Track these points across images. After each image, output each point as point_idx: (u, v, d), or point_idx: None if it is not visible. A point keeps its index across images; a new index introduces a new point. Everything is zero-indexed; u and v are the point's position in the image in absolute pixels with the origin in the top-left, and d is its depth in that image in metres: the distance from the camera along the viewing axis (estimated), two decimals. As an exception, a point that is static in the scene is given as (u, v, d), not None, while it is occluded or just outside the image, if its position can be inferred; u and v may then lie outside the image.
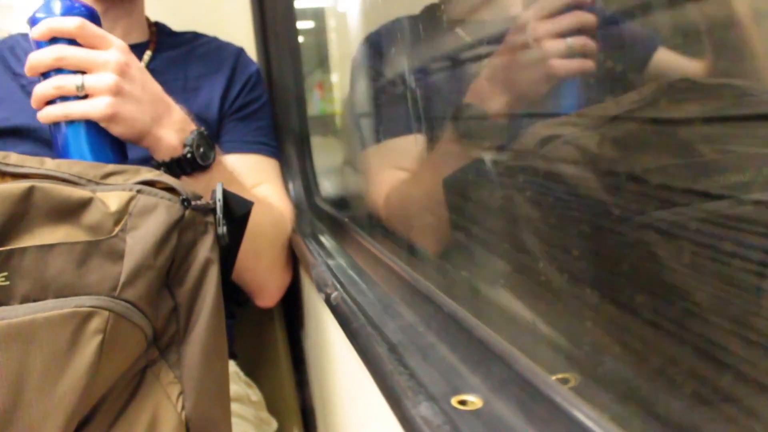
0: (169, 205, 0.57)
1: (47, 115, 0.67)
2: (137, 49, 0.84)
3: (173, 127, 0.73)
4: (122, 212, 0.56)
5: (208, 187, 0.75)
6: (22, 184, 0.53)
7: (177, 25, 1.02)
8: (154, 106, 0.72)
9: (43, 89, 0.66)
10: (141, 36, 0.97)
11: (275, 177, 0.97)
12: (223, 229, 0.60)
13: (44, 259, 0.52)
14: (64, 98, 0.67)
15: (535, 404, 0.36)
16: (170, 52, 0.95)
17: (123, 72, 0.68)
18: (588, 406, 0.32)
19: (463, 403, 0.40)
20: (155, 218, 0.56)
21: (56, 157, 0.64)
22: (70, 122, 0.68)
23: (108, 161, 0.68)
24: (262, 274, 0.85)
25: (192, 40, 0.99)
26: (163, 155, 0.73)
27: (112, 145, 0.70)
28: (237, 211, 0.63)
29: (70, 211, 0.55)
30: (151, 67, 0.93)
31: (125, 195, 0.57)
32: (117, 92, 0.67)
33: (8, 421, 0.49)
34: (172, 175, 0.73)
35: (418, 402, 0.41)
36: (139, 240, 0.55)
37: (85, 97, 0.67)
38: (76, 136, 0.68)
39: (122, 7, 0.93)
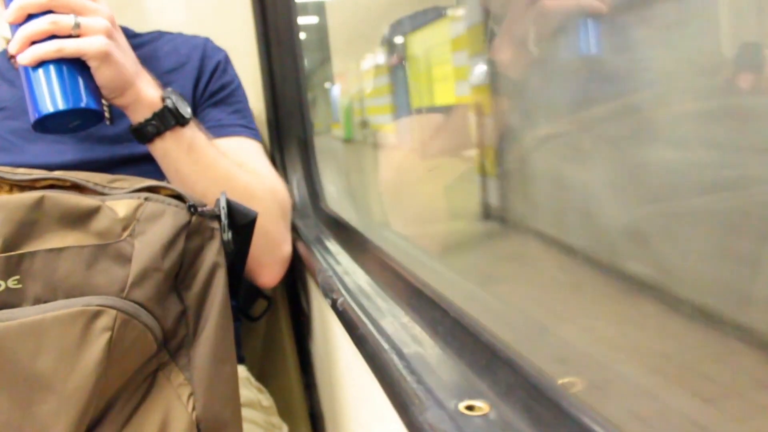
0: (175, 211, 0.59)
1: (35, 53, 0.65)
2: None
3: (150, 84, 0.75)
4: (130, 218, 0.57)
5: (192, 147, 0.76)
6: (34, 194, 0.56)
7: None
8: (134, 61, 0.74)
9: (35, 26, 0.65)
10: None
11: (262, 157, 0.95)
12: (228, 236, 0.61)
13: (54, 262, 0.54)
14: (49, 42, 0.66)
15: (542, 409, 0.36)
16: (136, 53, 0.94)
17: (112, 22, 0.70)
18: (594, 410, 0.32)
19: (470, 408, 0.40)
20: (162, 223, 0.58)
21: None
22: (54, 64, 0.66)
23: (87, 106, 0.67)
24: (259, 244, 0.83)
25: (156, 38, 0.98)
26: (144, 111, 0.74)
27: (93, 93, 0.69)
28: (240, 220, 0.64)
29: (80, 218, 0.56)
30: None
31: (133, 202, 0.58)
32: (110, 36, 0.69)
33: (22, 418, 0.51)
34: (155, 134, 0.74)
35: (426, 408, 0.41)
36: (147, 244, 0.56)
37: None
38: (57, 78, 0.66)
39: None
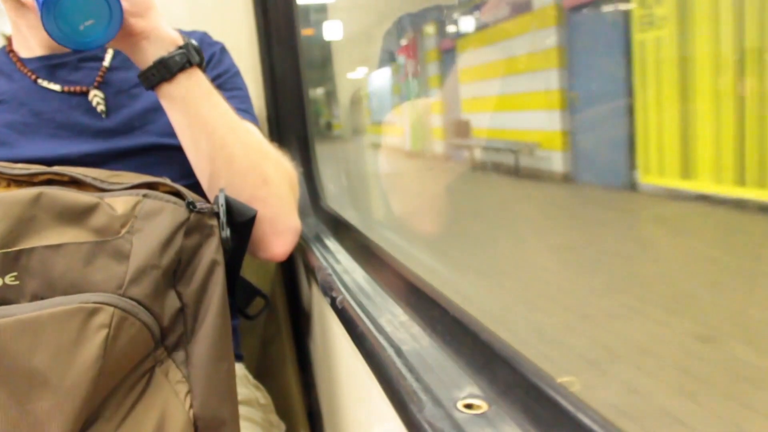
0: (174, 209, 0.59)
1: None
2: (98, 48, 0.81)
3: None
4: (128, 215, 0.57)
5: (210, 89, 0.73)
6: (32, 190, 0.55)
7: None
8: None
9: None
10: None
11: (264, 139, 0.95)
12: (226, 233, 0.61)
13: (51, 259, 0.54)
14: None
15: (540, 407, 0.36)
16: None
17: None
18: (592, 409, 0.32)
19: (468, 406, 0.40)
20: (160, 220, 0.58)
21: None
22: None
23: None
24: (273, 203, 0.79)
25: None
26: (166, 44, 0.70)
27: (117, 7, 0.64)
28: (238, 218, 0.64)
29: (78, 214, 0.56)
30: (114, 65, 0.91)
31: (131, 199, 0.58)
32: None
33: (18, 415, 0.51)
34: (181, 67, 0.70)
35: (424, 406, 0.41)
36: (145, 241, 0.56)
37: None
38: None
39: None
